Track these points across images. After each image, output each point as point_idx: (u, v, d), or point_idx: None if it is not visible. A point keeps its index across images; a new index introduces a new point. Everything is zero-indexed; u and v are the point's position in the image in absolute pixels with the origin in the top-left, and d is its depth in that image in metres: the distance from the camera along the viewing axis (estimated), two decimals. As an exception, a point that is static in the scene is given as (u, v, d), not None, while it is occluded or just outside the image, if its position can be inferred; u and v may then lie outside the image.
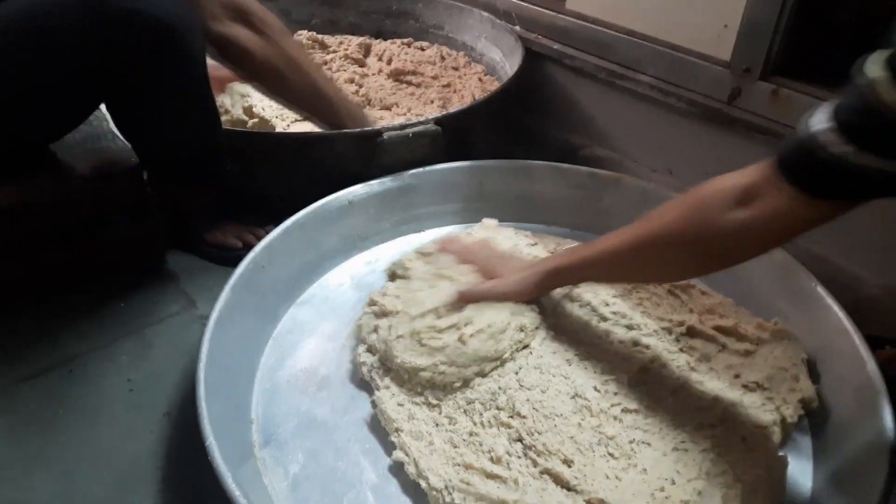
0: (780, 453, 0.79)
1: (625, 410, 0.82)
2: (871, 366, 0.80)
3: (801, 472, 0.81)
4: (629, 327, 0.93)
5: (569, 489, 0.73)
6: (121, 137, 1.14)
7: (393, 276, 1.01)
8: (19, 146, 1.01)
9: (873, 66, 0.57)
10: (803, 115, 0.64)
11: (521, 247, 1.05)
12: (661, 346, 0.90)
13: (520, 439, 0.78)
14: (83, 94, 0.98)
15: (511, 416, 0.80)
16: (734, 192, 0.68)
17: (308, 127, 1.30)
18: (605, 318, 0.94)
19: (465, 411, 0.82)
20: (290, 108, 1.29)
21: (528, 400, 0.82)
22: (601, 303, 0.95)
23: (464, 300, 0.88)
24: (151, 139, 1.07)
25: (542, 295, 0.94)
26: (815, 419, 0.85)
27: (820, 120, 0.61)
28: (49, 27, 0.88)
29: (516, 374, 0.85)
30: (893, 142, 0.57)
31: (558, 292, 0.96)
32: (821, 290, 0.92)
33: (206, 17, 1.02)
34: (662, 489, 0.73)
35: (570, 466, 0.75)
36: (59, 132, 1.05)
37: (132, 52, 0.92)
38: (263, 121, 1.35)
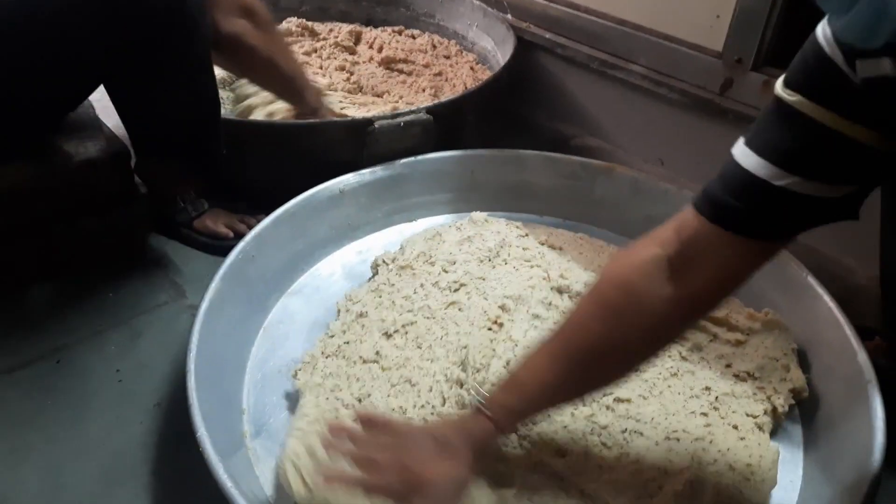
0: (772, 442, 0.80)
1: (617, 400, 0.82)
2: (862, 356, 0.81)
3: (791, 460, 0.81)
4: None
5: (562, 479, 0.74)
6: (107, 126, 1.13)
7: None
8: (22, 128, 0.99)
9: (783, 91, 0.56)
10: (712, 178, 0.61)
11: (511, 238, 1.05)
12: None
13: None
14: (90, 70, 0.97)
15: None
16: (660, 266, 0.62)
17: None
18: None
19: None
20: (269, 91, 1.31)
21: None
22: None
23: None
24: (151, 116, 1.07)
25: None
26: (806, 408, 0.86)
27: (745, 156, 0.58)
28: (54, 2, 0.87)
29: (506, 365, 0.85)
30: (826, 163, 0.56)
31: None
32: (811, 280, 0.92)
33: (217, 15, 1.05)
34: (654, 479, 0.73)
35: (563, 457, 0.75)
36: (61, 112, 1.04)
37: (140, 26, 0.92)
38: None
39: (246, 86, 1.37)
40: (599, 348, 0.64)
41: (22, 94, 0.94)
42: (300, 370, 0.86)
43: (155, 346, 1.00)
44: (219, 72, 1.44)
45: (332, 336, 0.91)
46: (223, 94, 1.42)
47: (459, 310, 0.93)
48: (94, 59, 0.96)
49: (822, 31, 0.55)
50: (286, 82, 1.22)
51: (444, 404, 0.80)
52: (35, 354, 0.97)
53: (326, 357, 0.87)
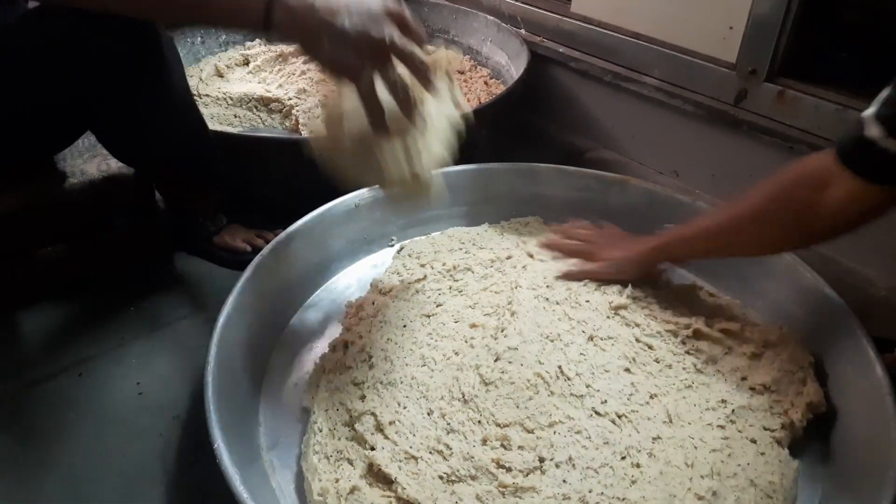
0: (791, 458, 0.79)
1: (632, 411, 0.81)
2: (880, 368, 0.80)
3: (809, 474, 0.80)
4: (635, 325, 0.93)
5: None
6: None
7: None
8: (10, 159, 1.02)
9: None
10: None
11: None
12: (666, 348, 0.90)
13: (534, 448, 0.78)
14: (66, 115, 0.98)
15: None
16: (813, 177, 0.76)
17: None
18: (608, 318, 0.94)
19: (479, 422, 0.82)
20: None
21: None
22: (608, 307, 0.96)
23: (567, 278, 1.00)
24: (141, 153, 1.07)
25: (643, 273, 0.99)
26: (823, 422, 0.85)
27: (870, 113, 0.69)
28: (24, 54, 0.87)
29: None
30: None
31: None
32: (829, 291, 0.92)
33: None
34: (675, 488, 0.73)
35: (574, 467, 0.75)
36: (46, 151, 1.06)
37: (108, 71, 0.92)
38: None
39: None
40: (758, 217, 0.82)
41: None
42: (304, 390, 0.88)
43: (174, 359, 1.02)
44: (260, 90, 1.47)
45: (336, 350, 0.93)
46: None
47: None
48: (65, 104, 0.95)
49: None
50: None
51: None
52: (57, 367, 0.99)
53: (328, 372, 0.88)
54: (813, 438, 0.84)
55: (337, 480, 0.75)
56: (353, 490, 0.73)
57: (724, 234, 0.87)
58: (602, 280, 0.99)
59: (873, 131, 0.68)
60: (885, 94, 0.69)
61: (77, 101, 0.95)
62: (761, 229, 0.82)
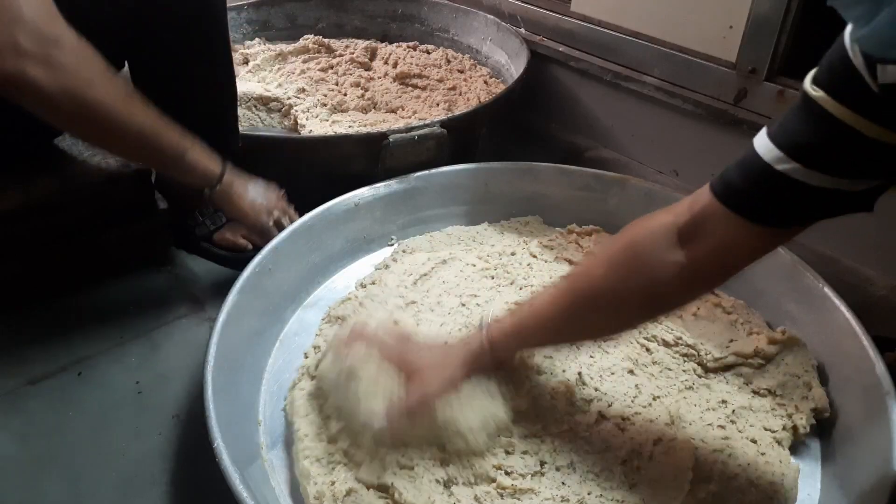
0: (792, 459, 0.79)
1: (635, 414, 0.81)
2: (880, 367, 0.80)
3: (809, 473, 0.80)
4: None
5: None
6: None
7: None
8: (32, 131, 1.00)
9: (810, 87, 0.57)
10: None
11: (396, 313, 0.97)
12: (665, 351, 0.91)
13: (537, 452, 0.78)
14: (106, 51, 0.93)
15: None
16: (670, 233, 0.65)
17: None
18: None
19: None
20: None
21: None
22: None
23: (394, 434, 0.74)
24: (170, 102, 1.04)
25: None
26: (823, 421, 0.85)
27: (761, 143, 0.60)
28: None
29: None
30: (841, 158, 0.56)
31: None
32: (828, 291, 0.92)
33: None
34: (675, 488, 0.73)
35: (574, 471, 0.75)
36: None
37: (166, 14, 0.93)
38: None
39: None
40: (600, 296, 0.69)
41: None
42: (285, 398, 0.88)
43: (174, 357, 1.01)
44: (260, 89, 1.47)
45: (307, 357, 0.93)
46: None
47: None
48: (111, 45, 0.91)
49: (849, 35, 0.55)
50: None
51: None
52: (57, 366, 0.99)
53: (301, 379, 0.88)
54: (812, 437, 0.84)
55: (333, 483, 0.74)
56: (349, 492, 0.73)
57: (560, 320, 0.72)
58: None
59: (785, 166, 0.57)
60: (782, 117, 0.60)
61: (123, 36, 0.95)
62: (601, 309, 0.69)
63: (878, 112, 0.54)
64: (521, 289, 1.00)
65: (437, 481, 0.74)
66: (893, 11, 0.44)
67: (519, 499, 0.73)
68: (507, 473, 0.75)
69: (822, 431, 0.84)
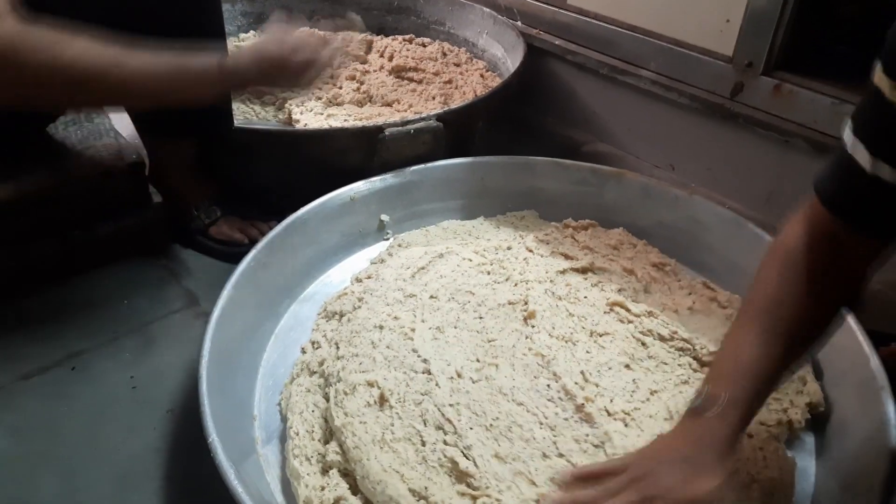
0: (788, 453, 0.79)
1: (636, 409, 0.81)
2: (874, 361, 0.80)
3: (803, 468, 0.80)
4: (628, 322, 0.93)
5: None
6: (122, 135, 1.14)
7: None
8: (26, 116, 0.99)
9: (883, 82, 0.54)
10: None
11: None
12: (660, 346, 0.91)
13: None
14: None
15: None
16: (802, 262, 0.63)
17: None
18: (605, 313, 0.94)
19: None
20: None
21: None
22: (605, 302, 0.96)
23: None
24: None
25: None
26: (818, 415, 0.85)
27: (848, 136, 0.58)
28: None
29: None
30: None
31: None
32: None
33: None
34: None
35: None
36: None
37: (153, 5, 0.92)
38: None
39: None
40: (786, 314, 0.64)
41: None
42: (280, 393, 0.87)
43: (168, 352, 1.01)
44: None
45: (305, 353, 0.93)
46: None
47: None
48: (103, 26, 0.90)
49: None
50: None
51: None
52: (51, 361, 0.98)
53: (299, 375, 0.88)
54: (807, 432, 0.84)
55: (322, 489, 0.73)
56: (337, 501, 0.71)
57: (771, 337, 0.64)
58: None
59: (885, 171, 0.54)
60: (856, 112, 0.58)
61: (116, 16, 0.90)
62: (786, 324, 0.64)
63: None
64: (516, 284, 1.00)
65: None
66: None
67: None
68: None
69: (817, 426, 0.85)
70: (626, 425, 0.80)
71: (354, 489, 0.73)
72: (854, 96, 1.02)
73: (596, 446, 0.76)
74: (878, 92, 0.54)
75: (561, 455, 0.75)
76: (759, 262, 0.68)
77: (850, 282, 0.64)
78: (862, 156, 0.56)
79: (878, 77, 0.54)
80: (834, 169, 0.60)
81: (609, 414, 0.80)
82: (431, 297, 0.96)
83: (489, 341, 0.89)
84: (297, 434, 0.79)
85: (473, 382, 0.82)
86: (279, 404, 0.87)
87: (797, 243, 0.64)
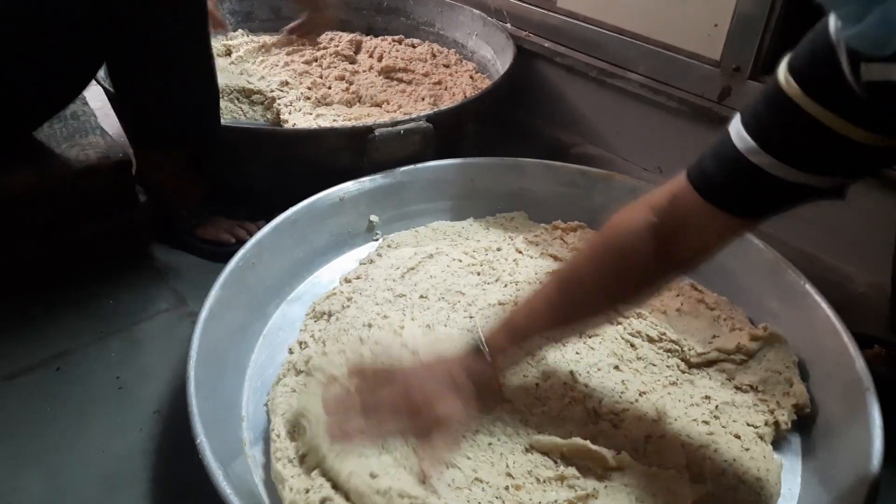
0: (774, 454, 0.80)
1: (622, 411, 0.82)
2: (860, 363, 0.81)
3: (789, 468, 0.81)
4: (617, 323, 0.94)
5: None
6: (108, 134, 1.13)
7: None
8: (16, 120, 0.99)
9: (784, 79, 0.57)
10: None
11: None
12: (649, 347, 0.91)
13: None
14: (85, 46, 0.97)
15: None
16: (649, 224, 0.67)
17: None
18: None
19: None
20: None
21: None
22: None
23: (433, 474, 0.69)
24: (147, 92, 1.06)
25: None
26: (804, 417, 0.86)
27: (736, 132, 0.61)
28: None
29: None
30: (814, 155, 0.57)
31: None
32: (810, 288, 0.93)
33: None
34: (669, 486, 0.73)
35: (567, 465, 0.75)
36: (66, 96, 1.04)
37: (137, 7, 0.92)
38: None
39: None
40: (587, 289, 0.71)
41: (21, 80, 0.93)
42: (268, 393, 0.86)
43: (155, 353, 1.00)
44: (242, 81, 1.46)
45: (293, 353, 0.93)
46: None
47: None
48: (90, 41, 0.95)
49: (834, 28, 0.54)
50: None
51: None
52: (35, 361, 0.97)
53: (284, 376, 0.87)
54: (793, 432, 0.85)
55: (307, 491, 0.71)
56: (322, 502, 0.70)
57: (558, 305, 0.72)
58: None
59: (759, 158, 0.59)
60: (754, 106, 0.61)
61: (97, 33, 0.95)
62: (598, 294, 0.71)
63: (854, 111, 0.54)
64: (506, 285, 1.00)
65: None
66: (883, 10, 0.44)
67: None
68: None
69: (803, 427, 0.86)
70: (614, 426, 0.80)
71: (337, 487, 0.72)
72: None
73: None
74: (791, 102, 0.56)
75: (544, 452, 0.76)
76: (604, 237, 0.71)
77: (696, 254, 0.68)
78: (759, 158, 0.59)
79: (790, 86, 0.57)
80: (717, 159, 0.63)
81: (598, 415, 0.81)
82: (421, 296, 0.96)
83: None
84: (279, 436, 0.77)
85: None
86: (266, 405, 0.86)
87: (636, 226, 0.68)
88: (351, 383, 0.73)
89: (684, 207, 0.65)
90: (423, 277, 1.00)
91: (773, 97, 0.59)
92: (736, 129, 0.61)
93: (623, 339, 0.92)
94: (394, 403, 0.70)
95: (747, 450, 0.78)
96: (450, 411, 0.69)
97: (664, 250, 0.66)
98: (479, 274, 1.03)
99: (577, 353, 0.88)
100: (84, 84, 1.05)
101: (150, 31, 0.97)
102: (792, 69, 0.57)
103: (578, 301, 0.72)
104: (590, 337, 0.91)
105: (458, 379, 0.71)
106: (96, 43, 0.96)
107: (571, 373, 0.85)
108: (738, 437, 0.80)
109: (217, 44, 1.65)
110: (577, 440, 0.76)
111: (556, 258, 1.08)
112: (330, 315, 0.95)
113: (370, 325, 0.89)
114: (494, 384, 0.75)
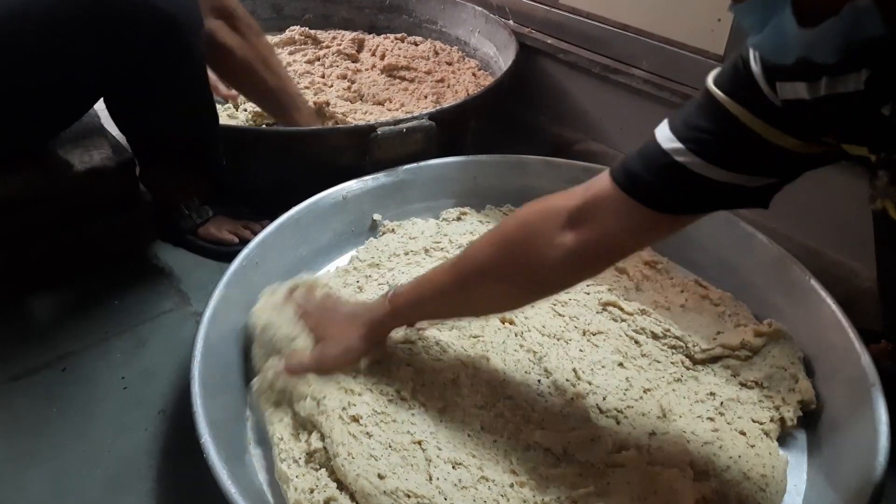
0: (780, 451, 0.80)
1: (628, 407, 0.82)
2: (865, 359, 0.81)
3: (795, 464, 0.81)
4: (621, 320, 0.94)
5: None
6: (112, 134, 1.13)
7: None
8: (18, 142, 1.00)
9: (713, 87, 0.60)
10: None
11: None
12: (653, 343, 0.91)
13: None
14: (84, 85, 0.97)
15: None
16: (562, 215, 0.66)
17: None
18: (598, 313, 0.94)
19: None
20: (256, 104, 1.33)
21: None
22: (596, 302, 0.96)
23: (291, 374, 0.79)
24: (147, 131, 1.07)
25: (375, 345, 0.84)
26: (809, 413, 0.86)
27: (663, 134, 0.62)
28: (51, 17, 0.87)
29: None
30: (739, 156, 0.59)
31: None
32: (814, 283, 0.92)
33: None
34: (671, 483, 0.73)
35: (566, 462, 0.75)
36: (58, 126, 1.04)
37: (134, 43, 0.92)
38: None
39: None
40: (486, 272, 0.71)
41: (18, 110, 0.93)
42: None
43: (160, 353, 1.00)
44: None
45: None
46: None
47: None
48: (88, 79, 0.96)
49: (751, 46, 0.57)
50: (269, 94, 1.21)
51: None
52: (40, 362, 0.97)
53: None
54: (798, 429, 0.85)
55: (311, 491, 0.72)
56: (327, 501, 0.71)
57: (451, 294, 0.74)
58: (330, 370, 0.81)
59: (685, 158, 0.60)
60: (684, 111, 0.62)
61: (101, 67, 0.95)
62: (486, 286, 0.72)
63: (780, 121, 0.57)
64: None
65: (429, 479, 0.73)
66: (777, 22, 0.46)
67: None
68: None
69: (809, 423, 0.85)
70: (617, 423, 0.80)
71: (342, 486, 0.72)
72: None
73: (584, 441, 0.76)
74: (730, 115, 0.58)
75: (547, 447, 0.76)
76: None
77: (608, 251, 0.67)
78: (685, 158, 0.60)
79: (719, 94, 0.59)
80: (643, 159, 0.63)
81: (601, 412, 0.81)
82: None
83: (472, 336, 0.89)
84: (282, 439, 0.78)
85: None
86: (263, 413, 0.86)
87: (550, 213, 0.67)
88: (301, 296, 0.88)
89: (605, 201, 0.64)
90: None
91: (701, 103, 0.61)
92: (663, 132, 0.62)
93: (627, 335, 0.92)
94: (313, 312, 0.85)
95: (753, 446, 0.78)
96: (334, 334, 0.82)
97: (577, 239, 0.65)
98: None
99: (581, 349, 0.88)
100: (84, 111, 1.06)
101: (148, 76, 0.97)
102: (717, 83, 0.60)
103: (478, 293, 0.73)
104: (594, 334, 0.91)
105: (360, 316, 0.82)
106: (92, 82, 0.97)
107: (574, 370, 0.84)
108: (743, 433, 0.79)
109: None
110: (581, 433, 0.76)
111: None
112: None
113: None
114: (382, 331, 0.83)
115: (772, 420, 0.82)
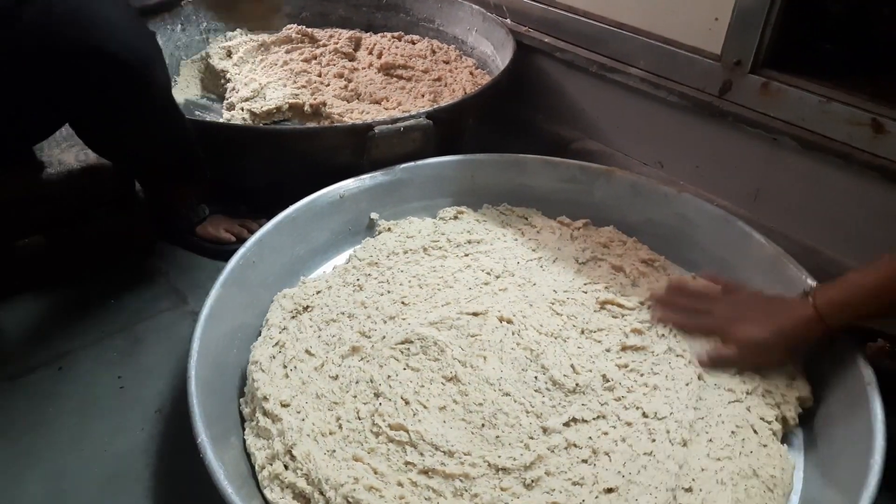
0: (786, 449, 0.80)
1: (636, 407, 0.82)
2: (861, 358, 0.81)
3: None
4: (621, 317, 0.94)
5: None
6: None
7: None
8: None
9: None
10: None
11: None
12: (657, 341, 0.91)
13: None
14: (45, 119, 0.96)
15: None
16: None
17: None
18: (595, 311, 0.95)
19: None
20: None
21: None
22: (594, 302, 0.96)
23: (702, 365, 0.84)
24: (119, 157, 1.06)
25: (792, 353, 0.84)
26: (806, 410, 0.86)
27: None
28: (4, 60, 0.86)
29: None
30: None
31: None
32: (811, 282, 0.92)
33: None
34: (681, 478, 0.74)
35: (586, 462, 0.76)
36: (22, 145, 1.03)
37: (85, 84, 0.90)
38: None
39: None
40: None
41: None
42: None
43: (156, 352, 1.00)
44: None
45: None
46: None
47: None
48: (47, 113, 0.94)
49: None
50: None
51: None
52: (37, 361, 0.97)
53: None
54: (795, 426, 0.85)
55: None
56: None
57: None
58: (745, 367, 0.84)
59: None
60: None
61: (61, 105, 0.93)
62: None
63: None
64: (497, 277, 1.01)
65: (425, 472, 0.74)
66: None
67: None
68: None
69: (805, 421, 0.85)
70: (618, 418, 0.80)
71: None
72: (841, 94, 1.02)
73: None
74: None
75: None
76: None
77: None
78: None
79: None
80: None
81: (602, 405, 0.81)
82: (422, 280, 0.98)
83: (471, 336, 0.89)
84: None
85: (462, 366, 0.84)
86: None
87: None
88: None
89: None
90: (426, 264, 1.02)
91: None
92: None
93: (626, 333, 0.92)
94: (719, 310, 0.88)
95: (764, 446, 0.78)
96: (741, 335, 0.83)
97: None
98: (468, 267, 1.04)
99: (579, 346, 0.88)
100: (48, 135, 1.03)
101: (111, 113, 0.95)
102: None
103: None
104: (592, 332, 0.91)
105: (779, 315, 0.81)
106: (57, 108, 0.95)
107: (572, 366, 0.85)
108: (755, 432, 0.79)
109: (217, 47, 1.64)
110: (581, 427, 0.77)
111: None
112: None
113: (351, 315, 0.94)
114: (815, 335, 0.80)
115: (776, 419, 0.81)
